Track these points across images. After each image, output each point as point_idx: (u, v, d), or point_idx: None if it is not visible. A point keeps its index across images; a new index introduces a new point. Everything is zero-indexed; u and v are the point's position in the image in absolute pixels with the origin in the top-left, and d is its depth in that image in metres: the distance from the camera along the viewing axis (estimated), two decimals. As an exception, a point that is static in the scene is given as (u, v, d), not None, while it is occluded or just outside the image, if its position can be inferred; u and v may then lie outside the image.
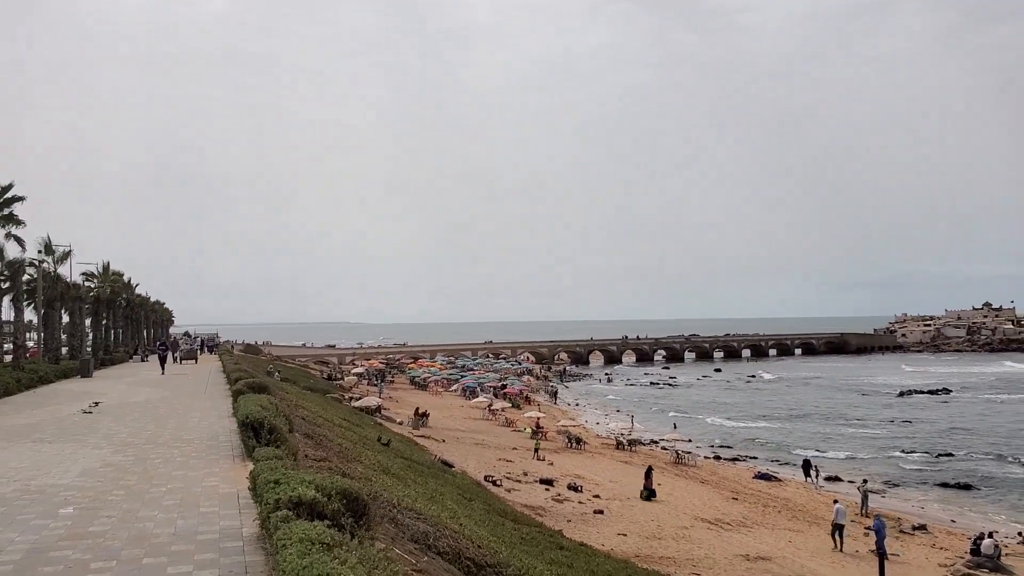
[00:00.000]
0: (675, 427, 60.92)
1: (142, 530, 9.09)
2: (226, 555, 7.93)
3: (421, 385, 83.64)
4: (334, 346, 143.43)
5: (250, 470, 10.34)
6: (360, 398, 53.43)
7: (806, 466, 43.66)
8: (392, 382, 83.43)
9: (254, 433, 13.11)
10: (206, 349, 75.06)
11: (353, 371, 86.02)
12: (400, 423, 46.45)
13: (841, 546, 27.46)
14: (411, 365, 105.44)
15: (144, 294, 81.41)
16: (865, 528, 29.65)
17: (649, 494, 32.68)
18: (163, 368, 41.81)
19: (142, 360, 56.46)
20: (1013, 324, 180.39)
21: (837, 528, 27.73)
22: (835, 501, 30.14)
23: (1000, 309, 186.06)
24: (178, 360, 52.75)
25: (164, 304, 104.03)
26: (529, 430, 49.97)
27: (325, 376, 77.40)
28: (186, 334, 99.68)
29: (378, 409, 48.90)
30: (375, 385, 72.70)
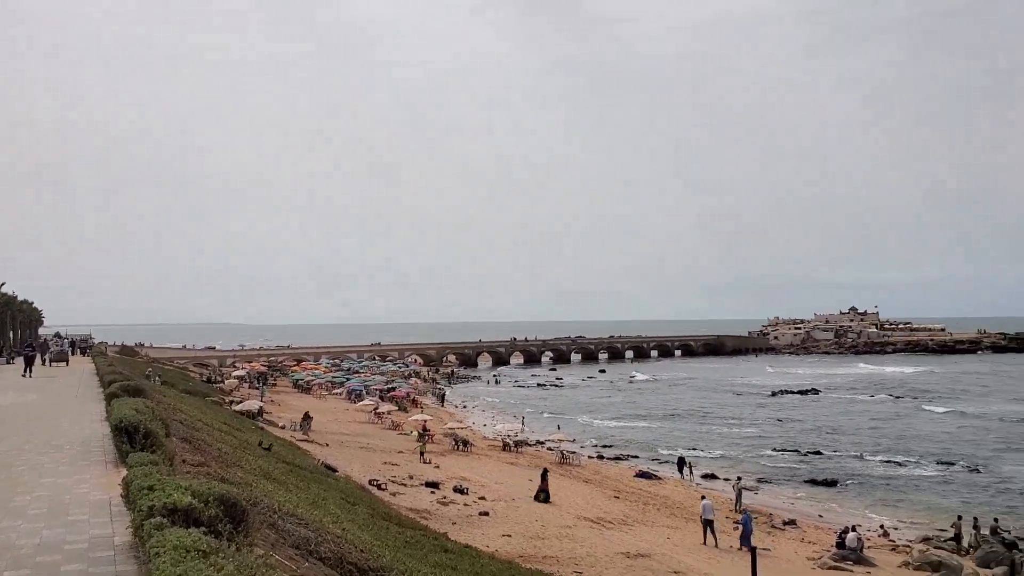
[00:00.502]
0: (559, 427, 61.84)
1: (3, 542, 8.65)
2: (95, 565, 7.64)
3: (305, 388, 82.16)
4: (214, 348, 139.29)
5: (123, 476, 9.99)
6: (241, 401, 52.09)
7: (680, 463, 45.43)
8: (274, 385, 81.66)
9: (128, 438, 12.63)
10: (78, 351, 71.60)
11: (234, 374, 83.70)
12: (283, 427, 45.53)
13: (716, 542, 28.42)
14: (294, 367, 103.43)
15: (11, 293, 77.04)
16: (735, 523, 30.86)
17: (545, 496, 33.07)
18: (30, 371, 39.63)
19: (7, 362, 53.37)
20: (877, 328, 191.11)
21: (707, 524, 28.71)
22: (703, 497, 31.15)
23: (865, 313, 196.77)
24: (47, 362, 50.17)
25: (32, 303, 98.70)
26: (415, 433, 49.81)
27: (205, 379, 75.11)
28: (57, 335, 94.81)
29: (260, 413, 47.78)
30: (257, 388, 71.01)
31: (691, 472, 44.56)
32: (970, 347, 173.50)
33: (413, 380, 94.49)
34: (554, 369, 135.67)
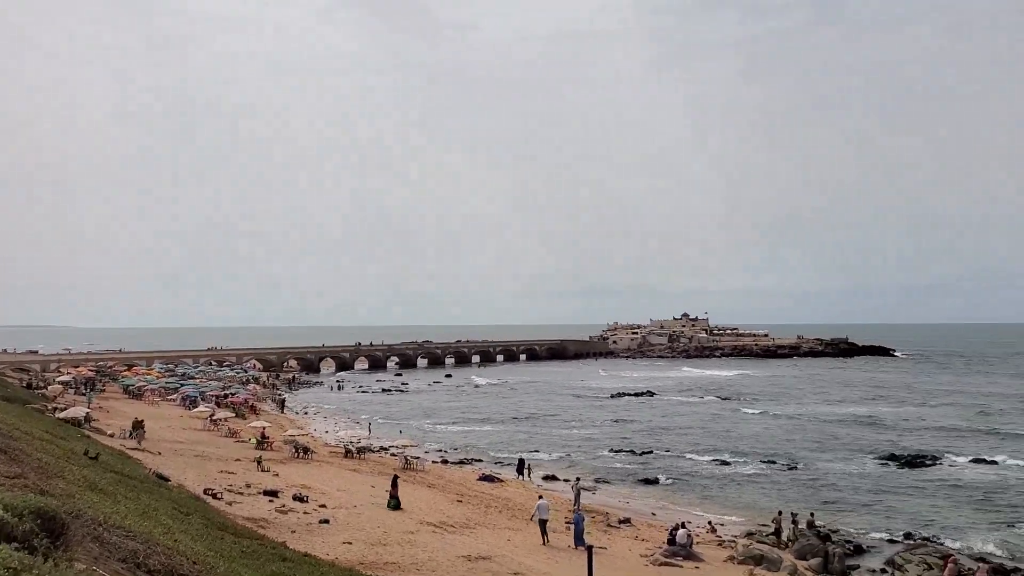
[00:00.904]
0: (400, 432, 61.70)
1: None
2: None
3: (136, 394, 78.12)
4: (36, 351, 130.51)
5: (-74, 492, 9.29)
6: (66, 408, 49.01)
7: (520, 465, 46.37)
8: (103, 391, 77.27)
9: (-68, 451, 11.75)
10: None
11: (58, 379, 78.57)
12: (112, 435, 43.18)
13: (547, 540, 29.05)
14: (125, 373, 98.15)
15: None
16: (567, 522, 31.76)
17: (396, 503, 32.85)
18: None
19: None
20: (707, 333, 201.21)
21: (541, 523, 29.36)
22: (540, 497, 31.77)
23: (696, 319, 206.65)
24: None
25: None
26: (253, 440, 48.43)
27: (25, 384, 70.16)
28: None
29: (87, 420, 45.12)
30: (83, 394, 67.01)
31: (530, 474, 45.48)
32: (790, 352, 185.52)
33: (251, 386, 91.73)
34: (400, 374, 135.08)
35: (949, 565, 27.46)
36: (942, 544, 32.77)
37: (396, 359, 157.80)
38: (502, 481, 43.59)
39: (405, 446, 51.67)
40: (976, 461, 51.18)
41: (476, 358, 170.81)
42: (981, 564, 29.13)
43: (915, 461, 51.04)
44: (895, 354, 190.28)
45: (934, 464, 50.52)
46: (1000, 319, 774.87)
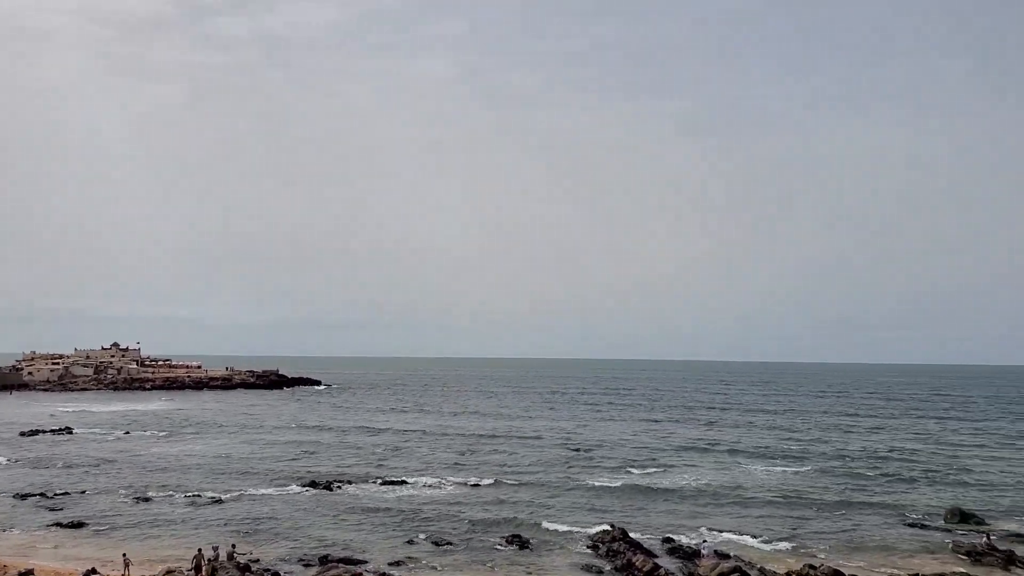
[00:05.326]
0: None
1: None
2: None
3: None
4: None
5: None
6: None
7: None
8: None
9: None
10: None
11: None
12: None
13: None
14: None
15: None
16: None
17: None
18: None
19: None
20: (138, 364, 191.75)
21: None
22: None
23: (127, 349, 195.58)
24: None
25: None
26: None
27: None
28: None
29: None
30: None
31: None
32: (223, 383, 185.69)
33: None
34: None
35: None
36: (355, 563, 35.96)
37: None
38: None
39: None
40: (386, 483, 56.94)
41: None
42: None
43: (332, 485, 55.15)
44: (321, 386, 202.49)
45: (350, 487, 55.17)
46: (432, 354, 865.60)
